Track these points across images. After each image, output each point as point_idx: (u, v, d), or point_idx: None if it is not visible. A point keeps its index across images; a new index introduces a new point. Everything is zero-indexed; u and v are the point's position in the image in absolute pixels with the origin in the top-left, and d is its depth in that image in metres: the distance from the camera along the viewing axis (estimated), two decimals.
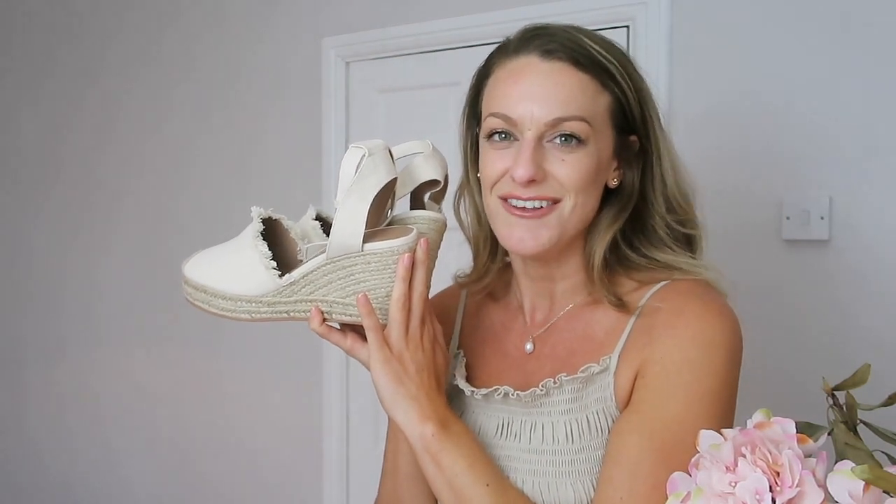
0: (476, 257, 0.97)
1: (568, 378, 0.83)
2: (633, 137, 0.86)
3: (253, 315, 0.85)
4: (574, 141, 0.81)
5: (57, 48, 2.86)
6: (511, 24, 1.93)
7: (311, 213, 0.90)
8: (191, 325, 2.52)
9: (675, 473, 0.64)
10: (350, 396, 2.23)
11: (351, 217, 0.80)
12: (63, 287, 2.86)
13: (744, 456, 0.59)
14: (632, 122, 0.85)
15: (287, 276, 0.83)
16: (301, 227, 0.88)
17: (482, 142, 0.87)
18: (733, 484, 0.58)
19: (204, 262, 0.88)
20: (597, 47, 0.83)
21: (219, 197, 2.49)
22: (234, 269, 0.85)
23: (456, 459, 0.79)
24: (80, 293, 2.82)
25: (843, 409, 0.65)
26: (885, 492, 0.55)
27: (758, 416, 0.63)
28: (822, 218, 1.61)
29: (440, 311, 1.01)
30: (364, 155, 0.79)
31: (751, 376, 1.61)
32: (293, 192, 2.35)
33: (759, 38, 1.67)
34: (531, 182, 0.81)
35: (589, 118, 0.81)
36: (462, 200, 0.96)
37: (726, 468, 0.59)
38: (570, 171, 0.81)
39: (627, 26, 1.82)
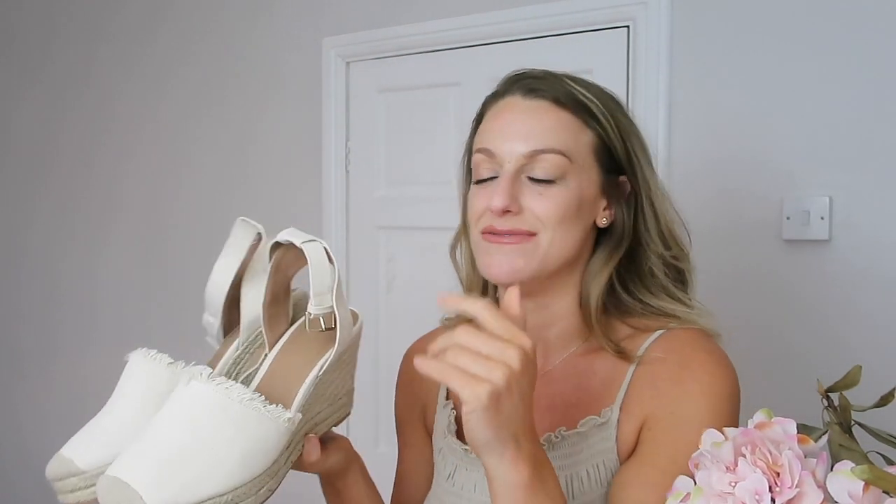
0: None
1: (568, 433, 0.82)
2: (623, 178, 0.87)
3: (272, 488, 0.66)
4: (551, 180, 0.82)
5: (52, 46, 2.86)
6: (511, 24, 1.95)
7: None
8: (188, 324, 2.52)
9: (678, 478, 0.64)
10: None
11: (346, 306, 0.71)
12: (58, 286, 2.86)
13: (744, 456, 0.59)
14: (619, 162, 0.86)
15: (289, 411, 0.66)
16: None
17: (471, 186, 0.88)
18: (733, 484, 0.58)
19: (157, 468, 0.59)
20: (579, 87, 0.84)
21: (218, 197, 2.49)
22: (219, 448, 0.60)
23: None
24: (75, 293, 2.82)
25: (837, 410, 0.65)
26: (884, 492, 0.55)
27: (758, 417, 0.63)
28: (822, 218, 1.61)
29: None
30: (325, 248, 0.69)
31: (751, 376, 1.62)
32: (293, 192, 2.35)
33: (760, 37, 1.67)
34: (506, 212, 0.81)
35: (568, 152, 0.82)
36: (459, 246, 0.95)
37: (726, 468, 0.59)
38: (547, 204, 0.81)
39: (627, 26, 1.82)
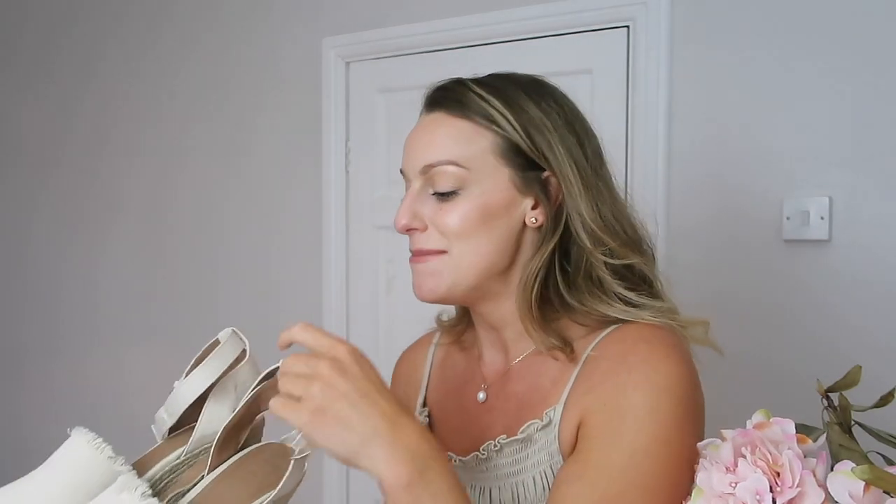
0: (456, 307, 0.97)
1: (507, 441, 0.81)
2: (547, 173, 0.82)
3: None
4: (450, 192, 0.80)
5: (55, 47, 2.86)
6: (511, 24, 1.95)
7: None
8: (189, 324, 2.52)
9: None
10: None
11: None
12: (61, 285, 2.86)
13: (744, 456, 0.59)
14: (533, 157, 0.81)
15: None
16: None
17: None
18: (733, 484, 0.58)
19: None
20: (480, 91, 0.82)
21: (218, 197, 2.49)
22: None
23: None
24: (78, 291, 2.82)
25: (836, 410, 0.65)
26: (885, 492, 0.55)
27: (757, 417, 0.63)
28: (822, 218, 1.61)
29: (409, 365, 1.01)
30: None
31: (750, 376, 1.62)
32: (293, 192, 2.35)
33: (759, 37, 1.67)
34: (411, 230, 0.82)
35: (462, 161, 0.80)
36: None
37: (726, 469, 0.59)
38: (448, 217, 0.80)
39: (627, 26, 1.82)
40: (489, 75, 0.86)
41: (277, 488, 0.66)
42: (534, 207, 0.82)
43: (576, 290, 0.82)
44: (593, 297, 0.81)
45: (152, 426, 0.71)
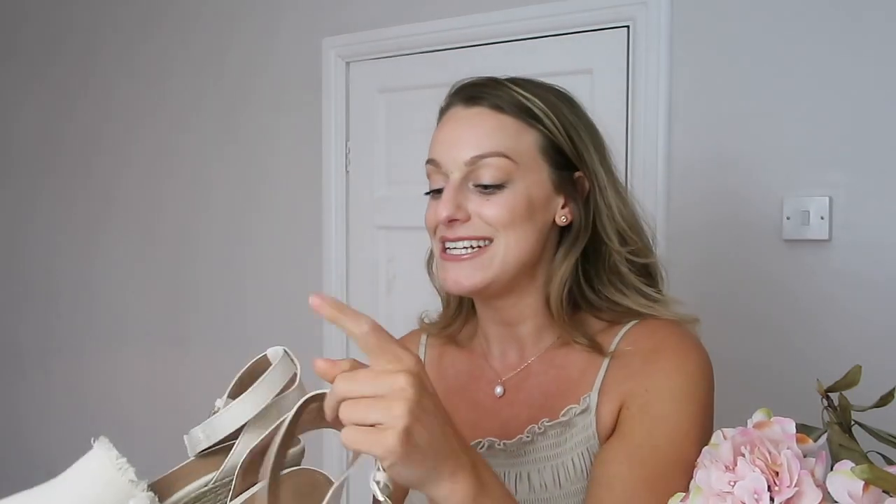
0: (445, 307, 0.99)
1: (551, 423, 0.83)
2: (579, 174, 0.87)
3: None
4: (497, 185, 0.83)
5: (52, 48, 2.86)
6: (511, 24, 1.95)
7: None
8: (187, 325, 2.52)
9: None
10: None
11: None
12: (58, 286, 2.86)
13: (743, 455, 0.59)
14: (571, 158, 0.86)
15: None
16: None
17: (427, 197, 0.90)
18: (732, 483, 0.58)
19: None
20: (519, 90, 0.85)
21: (218, 197, 2.49)
22: None
23: None
24: (75, 292, 2.82)
25: (836, 410, 0.65)
26: (884, 492, 0.55)
27: (758, 416, 0.63)
28: (822, 218, 1.60)
29: None
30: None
31: (751, 376, 1.62)
32: (293, 193, 2.35)
33: (759, 37, 1.67)
34: (454, 221, 0.83)
35: (511, 154, 0.83)
36: (433, 259, 0.96)
37: (725, 467, 0.59)
38: (495, 209, 0.83)
39: (627, 26, 1.82)
40: (517, 78, 0.88)
41: None
42: (563, 206, 0.86)
43: (601, 285, 0.87)
44: (618, 293, 0.86)
45: (185, 437, 0.67)
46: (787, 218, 1.64)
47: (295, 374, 0.65)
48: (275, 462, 0.61)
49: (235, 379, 0.67)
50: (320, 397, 0.60)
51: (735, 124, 1.70)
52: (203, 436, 0.65)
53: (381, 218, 2.21)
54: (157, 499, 0.59)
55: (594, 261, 0.87)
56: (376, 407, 0.55)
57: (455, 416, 0.91)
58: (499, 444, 0.85)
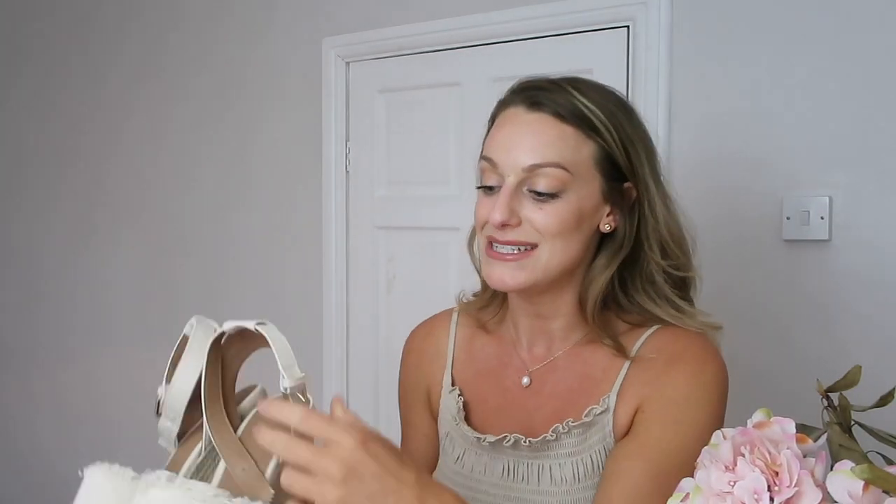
0: (484, 290, 1.01)
1: (575, 423, 0.87)
2: (629, 184, 0.89)
3: None
4: (552, 193, 0.84)
5: (65, 58, 2.87)
6: (511, 24, 1.95)
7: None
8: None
9: (683, 480, 0.64)
10: (351, 395, 2.23)
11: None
12: (71, 290, 2.87)
13: (742, 455, 0.59)
14: (624, 169, 0.88)
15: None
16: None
17: (478, 190, 0.91)
18: (732, 483, 0.58)
19: None
20: (582, 99, 0.86)
21: (220, 198, 2.49)
22: None
23: None
24: (88, 296, 2.83)
25: (836, 410, 0.65)
26: (884, 492, 0.55)
27: (758, 416, 0.62)
28: (822, 218, 1.60)
29: (430, 341, 1.03)
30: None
31: (751, 376, 1.62)
32: (293, 192, 2.35)
33: (759, 37, 1.67)
34: (505, 225, 0.85)
35: (568, 166, 0.84)
36: (475, 238, 0.98)
37: (725, 467, 0.59)
38: (546, 218, 0.85)
39: (627, 26, 1.82)
40: (579, 82, 0.89)
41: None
42: (608, 214, 0.89)
43: (634, 291, 0.90)
44: (649, 301, 0.90)
45: (160, 440, 0.69)
46: (787, 218, 1.64)
47: (214, 329, 0.69)
48: (209, 394, 0.65)
49: (168, 365, 0.70)
50: (224, 331, 0.66)
51: (735, 124, 1.70)
52: (169, 422, 0.67)
53: (381, 218, 2.21)
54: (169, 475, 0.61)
55: (631, 267, 0.90)
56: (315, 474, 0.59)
57: (484, 400, 0.95)
58: (524, 442, 0.89)
